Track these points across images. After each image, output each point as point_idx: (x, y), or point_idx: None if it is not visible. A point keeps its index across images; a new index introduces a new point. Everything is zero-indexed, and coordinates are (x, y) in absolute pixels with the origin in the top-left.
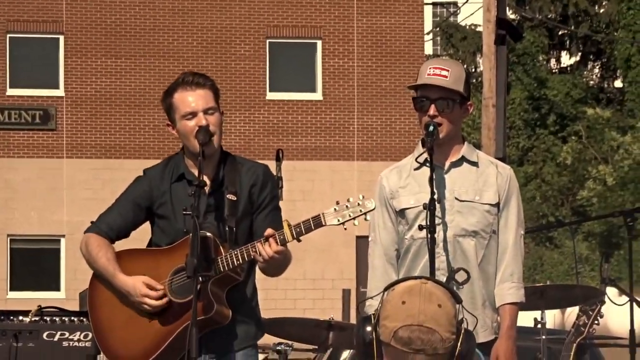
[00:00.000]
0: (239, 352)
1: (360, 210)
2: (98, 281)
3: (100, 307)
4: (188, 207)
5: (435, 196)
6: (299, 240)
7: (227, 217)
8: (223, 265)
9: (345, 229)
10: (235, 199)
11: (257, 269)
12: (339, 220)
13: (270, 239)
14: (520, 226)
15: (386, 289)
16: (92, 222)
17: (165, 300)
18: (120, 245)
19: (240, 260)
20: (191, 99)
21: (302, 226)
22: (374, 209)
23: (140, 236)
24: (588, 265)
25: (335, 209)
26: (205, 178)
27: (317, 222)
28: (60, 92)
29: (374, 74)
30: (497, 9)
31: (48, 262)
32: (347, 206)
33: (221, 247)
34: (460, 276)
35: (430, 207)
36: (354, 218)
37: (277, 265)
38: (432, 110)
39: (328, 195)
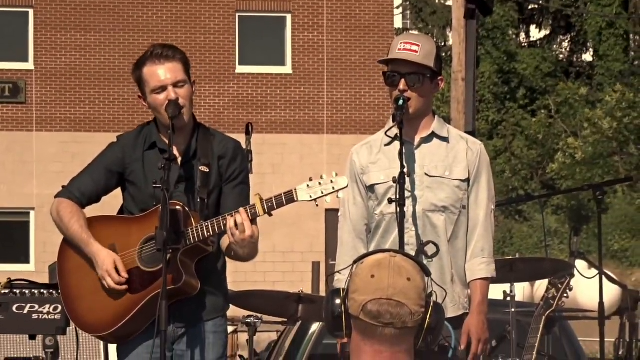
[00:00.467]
0: (209, 322)
1: (333, 188)
2: (68, 247)
3: (69, 273)
4: (158, 180)
5: (405, 170)
6: (270, 215)
7: (198, 188)
8: (193, 236)
9: (317, 205)
10: (207, 170)
11: None
12: (310, 197)
13: (241, 210)
14: (491, 201)
15: (355, 262)
16: (63, 187)
17: (122, 287)
18: (92, 211)
19: (211, 232)
20: (160, 73)
21: (273, 201)
22: (346, 187)
23: (112, 201)
24: (557, 239)
25: (308, 185)
26: (177, 149)
27: (289, 198)
28: (29, 65)
29: (343, 47)
30: None
31: (17, 234)
32: (319, 183)
33: (192, 218)
34: (430, 249)
35: (399, 180)
36: (326, 195)
37: (246, 246)
38: (402, 84)
39: (297, 169)
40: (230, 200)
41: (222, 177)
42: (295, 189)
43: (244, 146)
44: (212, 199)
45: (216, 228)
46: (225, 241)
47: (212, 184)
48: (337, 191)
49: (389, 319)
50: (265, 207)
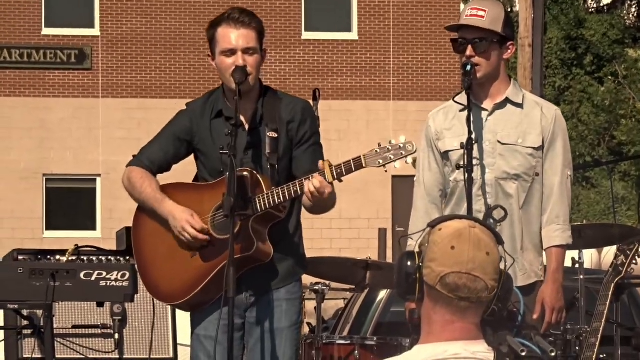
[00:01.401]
0: (282, 289)
1: (402, 153)
2: (143, 214)
3: (143, 240)
4: (225, 146)
5: (474, 136)
6: (340, 181)
7: (268, 154)
8: (265, 202)
9: (386, 171)
10: (276, 136)
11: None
12: (379, 163)
13: (315, 175)
14: (567, 167)
15: (431, 226)
16: (133, 156)
17: (204, 237)
18: (164, 179)
19: (282, 199)
20: (233, 36)
21: (342, 167)
22: (414, 153)
23: (186, 168)
24: (625, 205)
25: (376, 150)
26: (244, 115)
27: (357, 164)
28: (95, 31)
29: (409, 12)
30: None
31: (84, 201)
32: (388, 148)
33: (263, 184)
34: (497, 213)
35: (467, 146)
36: (394, 160)
37: (323, 205)
38: (469, 50)
39: (364, 135)
40: (304, 162)
41: (293, 141)
42: (364, 155)
43: None
44: (283, 164)
45: (287, 195)
46: (305, 202)
47: (282, 150)
48: (406, 156)
49: (466, 293)
50: (334, 173)
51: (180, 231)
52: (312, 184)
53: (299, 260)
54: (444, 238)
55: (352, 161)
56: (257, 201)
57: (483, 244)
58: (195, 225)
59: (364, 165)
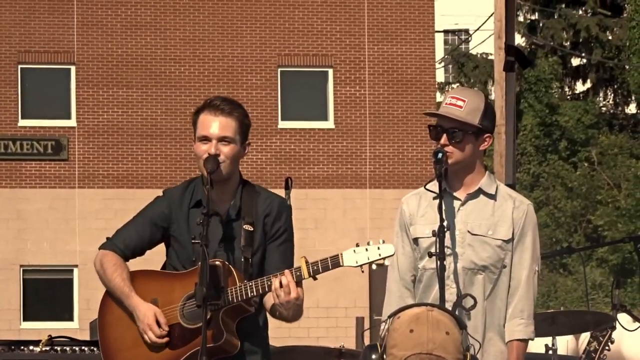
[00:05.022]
0: None
1: (379, 255)
2: (110, 300)
3: (110, 326)
4: (197, 235)
5: (446, 223)
6: (315, 279)
7: (243, 247)
8: (236, 295)
9: (363, 271)
10: (252, 229)
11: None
12: (357, 262)
13: (286, 272)
14: (535, 262)
15: (390, 316)
16: (107, 238)
17: (163, 341)
18: (135, 265)
19: (255, 293)
20: (210, 124)
21: (319, 265)
22: (392, 255)
23: (155, 257)
24: (602, 292)
25: (354, 250)
26: (221, 206)
27: (334, 262)
28: (72, 122)
29: (385, 102)
30: (506, 36)
31: (61, 292)
32: (366, 249)
33: (235, 275)
34: (466, 302)
35: (439, 234)
36: (372, 262)
37: (290, 308)
38: (443, 139)
39: (340, 224)
40: (275, 259)
41: (267, 235)
42: (341, 254)
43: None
44: (257, 258)
45: (260, 289)
46: (269, 300)
47: (257, 243)
48: (384, 258)
49: None
50: (311, 270)
51: (142, 330)
52: (279, 280)
53: (265, 354)
54: (402, 323)
55: (329, 259)
56: (229, 293)
57: (442, 325)
58: (155, 332)
59: (341, 264)
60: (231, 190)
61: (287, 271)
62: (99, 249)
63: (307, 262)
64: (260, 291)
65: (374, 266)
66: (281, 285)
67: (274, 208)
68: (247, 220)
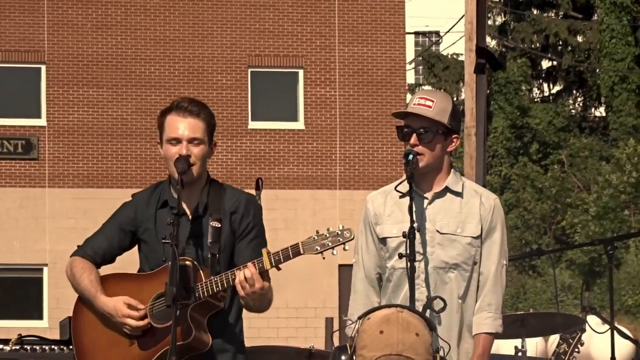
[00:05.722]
0: None
1: (339, 240)
2: (82, 304)
3: (83, 330)
4: (167, 235)
5: (416, 225)
6: (278, 269)
7: (209, 244)
8: (203, 291)
9: (324, 258)
10: (219, 225)
11: None
12: (317, 250)
13: (249, 264)
14: (503, 257)
15: (360, 317)
16: (78, 246)
17: (146, 320)
18: (110, 270)
19: (220, 287)
20: (179, 125)
21: (280, 254)
22: (352, 240)
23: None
24: (571, 294)
25: (314, 237)
26: (188, 205)
27: (295, 251)
28: (42, 121)
29: (355, 103)
30: (477, 38)
31: (31, 291)
32: (325, 235)
33: (202, 273)
34: (437, 304)
35: (409, 235)
36: (332, 247)
37: (257, 299)
38: (413, 139)
39: (310, 224)
40: (246, 256)
41: (235, 233)
42: (302, 242)
43: None
44: (224, 255)
45: (225, 283)
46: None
47: (224, 239)
48: (344, 243)
49: None
50: (272, 260)
51: (122, 324)
52: (243, 272)
53: (238, 351)
54: (372, 325)
55: (289, 248)
56: (196, 289)
57: (412, 326)
58: (134, 315)
59: (301, 252)
60: (199, 189)
61: (249, 263)
62: (70, 256)
63: (268, 252)
64: (226, 285)
65: (334, 251)
66: (246, 279)
67: (241, 204)
68: (214, 217)
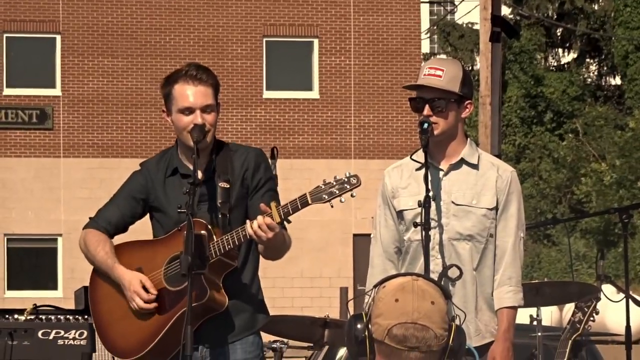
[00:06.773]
0: (238, 346)
1: (346, 187)
2: (98, 276)
3: (100, 301)
4: (183, 204)
5: (431, 194)
6: (288, 221)
7: (219, 205)
8: (215, 250)
9: (332, 206)
10: (227, 186)
11: (259, 257)
12: (324, 198)
13: (258, 217)
14: (520, 229)
15: (376, 286)
16: (90, 218)
17: (152, 306)
18: (125, 238)
19: (232, 244)
20: (191, 94)
21: (289, 206)
22: (359, 186)
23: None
24: (586, 263)
25: (320, 186)
26: (199, 170)
27: (303, 201)
28: (57, 91)
29: (370, 72)
30: (492, 6)
31: (45, 261)
32: (332, 183)
33: (214, 235)
34: (452, 273)
35: (425, 204)
36: (339, 195)
37: (273, 247)
38: (426, 110)
39: None
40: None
41: (249, 189)
42: (309, 192)
43: None
44: (236, 214)
45: (236, 240)
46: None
47: (234, 199)
48: (351, 189)
49: (414, 343)
50: (281, 213)
51: (129, 299)
52: (253, 224)
53: (259, 309)
54: (388, 293)
55: (297, 199)
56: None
57: (427, 294)
58: (143, 296)
59: (309, 202)
60: (207, 153)
61: (259, 217)
62: (83, 229)
63: (277, 205)
64: (237, 242)
65: (342, 199)
66: (257, 228)
67: (250, 161)
68: (222, 178)
